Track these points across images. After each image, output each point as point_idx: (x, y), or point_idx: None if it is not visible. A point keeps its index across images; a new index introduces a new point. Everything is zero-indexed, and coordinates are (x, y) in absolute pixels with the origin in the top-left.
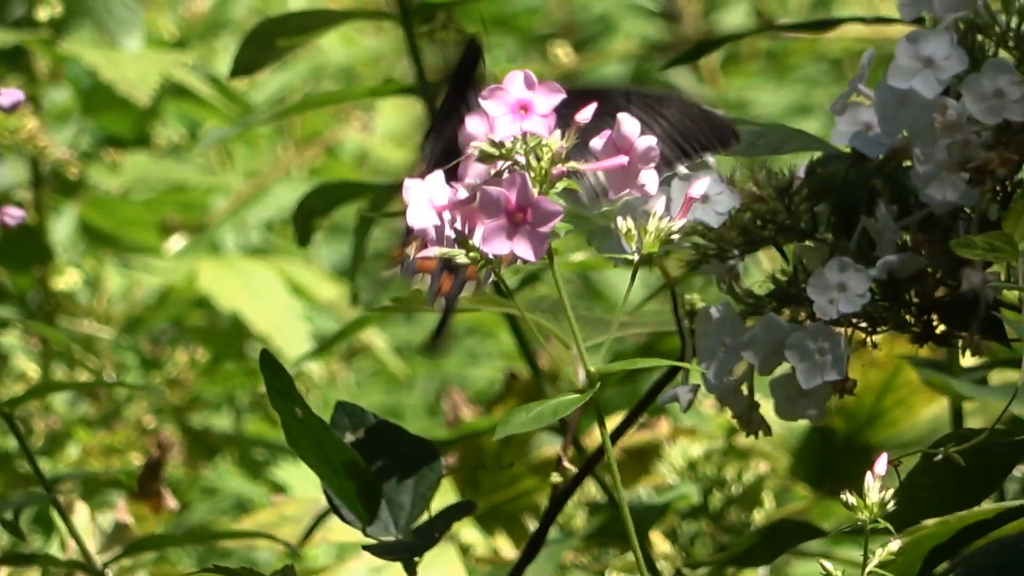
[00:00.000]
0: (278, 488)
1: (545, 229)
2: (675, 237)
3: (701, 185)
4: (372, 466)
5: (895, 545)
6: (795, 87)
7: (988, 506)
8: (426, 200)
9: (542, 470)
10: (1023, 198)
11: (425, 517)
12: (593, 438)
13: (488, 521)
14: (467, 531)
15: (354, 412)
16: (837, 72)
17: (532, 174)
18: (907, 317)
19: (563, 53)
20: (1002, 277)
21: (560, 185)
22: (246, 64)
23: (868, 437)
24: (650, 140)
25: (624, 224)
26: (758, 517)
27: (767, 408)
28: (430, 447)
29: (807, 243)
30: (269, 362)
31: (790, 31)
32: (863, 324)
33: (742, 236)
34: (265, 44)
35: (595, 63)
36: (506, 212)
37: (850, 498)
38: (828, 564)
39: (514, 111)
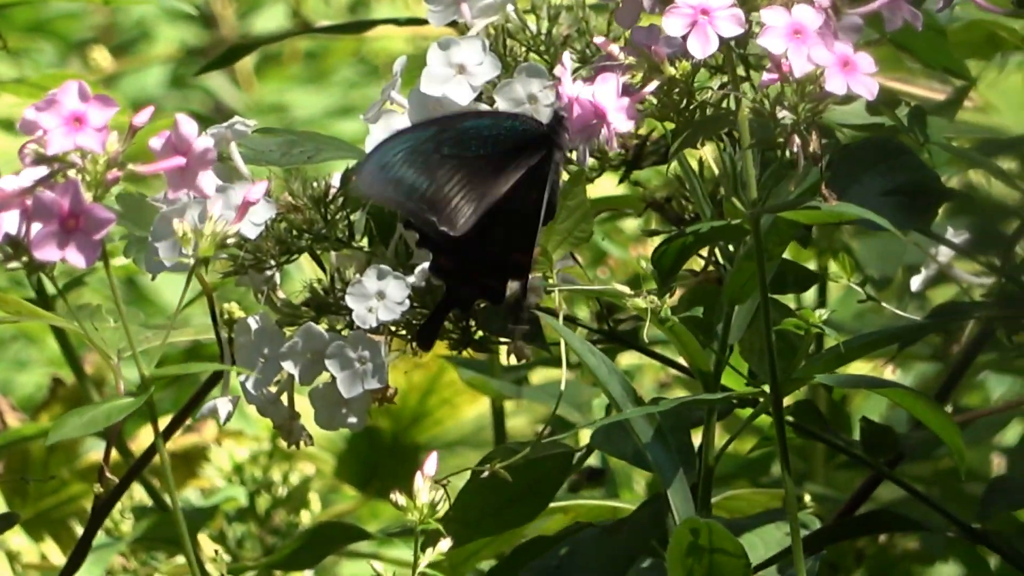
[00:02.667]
0: None
1: (98, 236)
2: (231, 240)
3: (260, 188)
4: None
5: (444, 545)
6: (335, 89)
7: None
8: None
9: (89, 475)
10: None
11: None
12: (139, 443)
13: (36, 527)
14: (15, 538)
15: None
16: (378, 74)
17: (87, 179)
18: (446, 324)
19: (102, 57)
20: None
21: (115, 190)
22: None
23: (414, 437)
24: (208, 142)
25: (180, 227)
26: (305, 519)
27: (309, 416)
28: None
29: (344, 252)
30: None
31: (327, 33)
32: (403, 331)
33: (279, 246)
34: None
35: (135, 67)
36: (59, 218)
37: (400, 499)
38: (378, 565)
39: (68, 123)
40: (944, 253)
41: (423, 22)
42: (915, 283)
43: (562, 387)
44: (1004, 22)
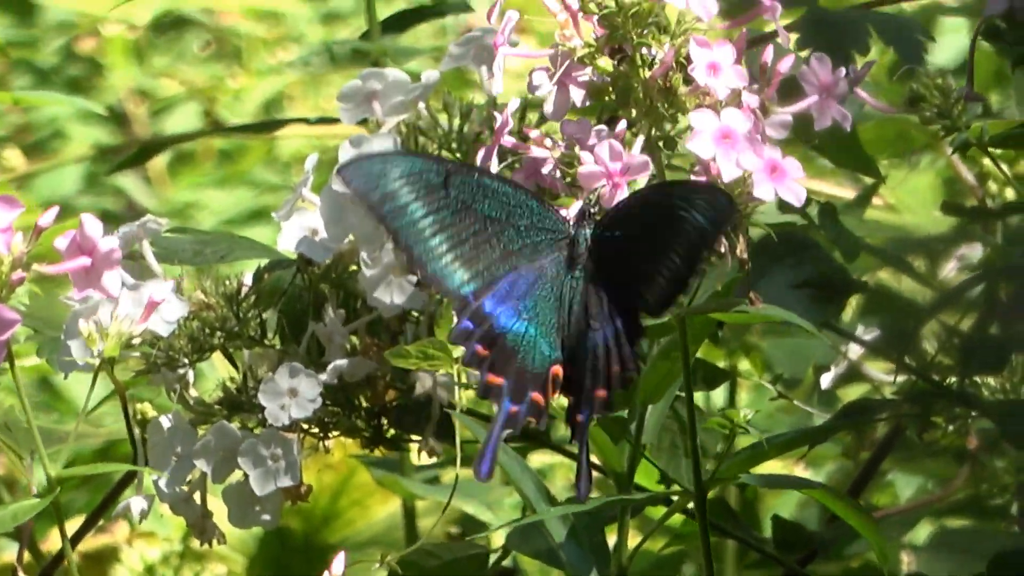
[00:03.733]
0: None
1: (3, 337)
2: (136, 341)
3: (165, 288)
4: None
5: None
6: (248, 190)
7: None
8: None
9: None
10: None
11: None
12: (52, 543)
13: None
14: None
15: None
16: (291, 176)
17: None
18: (358, 422)
19: (15, 157)
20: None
21: (21, 291)
22: None
23: (326, 538)
24: (112, 242)
25: (86, 327)
26: None
27: (223, 515)
28: None
29: (257, 350)
30: None
31: (238, 132)
32: (315, 429)
33: (192, 344)
34: None
35: (49, 167)
36: None
37: None
38: None
39: None
40: (855, 350)
41: (334, 121)
42: (825, 381)
43: (455, 482)
44: (915, 120)
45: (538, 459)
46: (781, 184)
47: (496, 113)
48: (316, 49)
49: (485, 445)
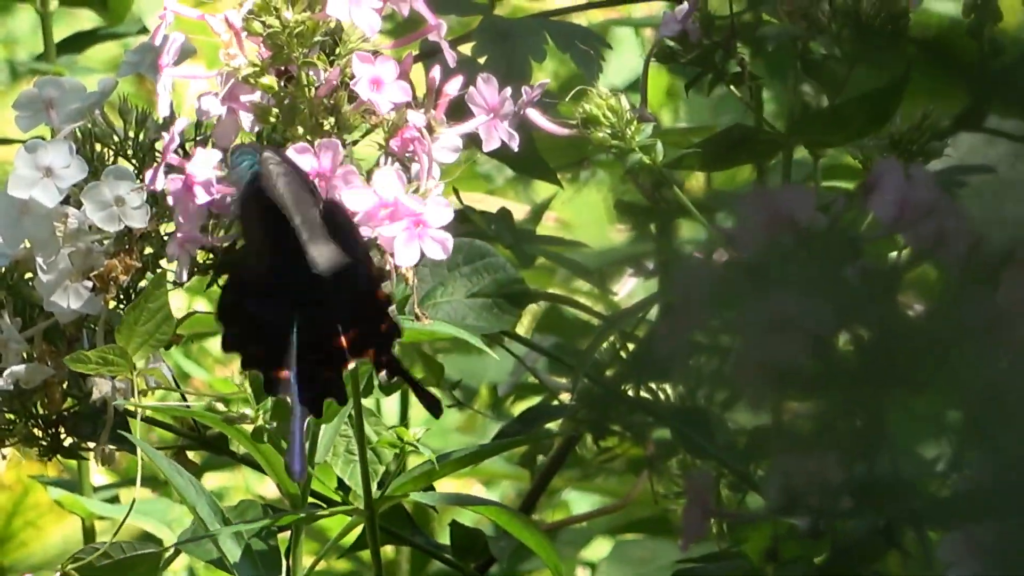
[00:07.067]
0: None
1: None
2: None
3: None
4: None
5: None
6: None
7: None
8: None
9: None
10: (134, 310)
11: None
12: None
13: None
14: None
15: None
16: None
17: None
18: (35, 430)
19: None
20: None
21: None
22: None
23: None
24: None
25: None
26: None
27: None
28: None
29: None
30: None
31: None
32: None
33: None
34: None
35: None
36: None
37: None
38: None
39: None
40: (531, 360)
41: (15, 142)
42: (503, 388)
43: (132, 506)
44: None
45: (214, 480)
46: (424, 240)
47: (164, 133)
48: None
49: (292, 445)
